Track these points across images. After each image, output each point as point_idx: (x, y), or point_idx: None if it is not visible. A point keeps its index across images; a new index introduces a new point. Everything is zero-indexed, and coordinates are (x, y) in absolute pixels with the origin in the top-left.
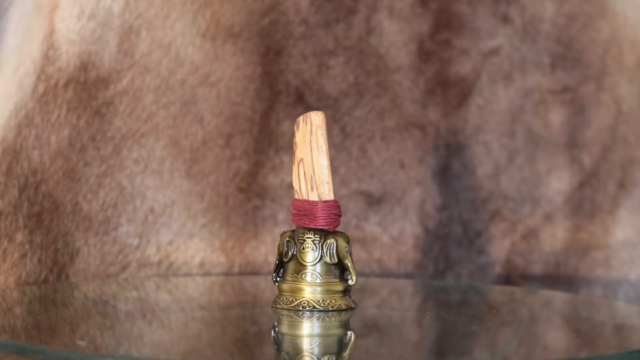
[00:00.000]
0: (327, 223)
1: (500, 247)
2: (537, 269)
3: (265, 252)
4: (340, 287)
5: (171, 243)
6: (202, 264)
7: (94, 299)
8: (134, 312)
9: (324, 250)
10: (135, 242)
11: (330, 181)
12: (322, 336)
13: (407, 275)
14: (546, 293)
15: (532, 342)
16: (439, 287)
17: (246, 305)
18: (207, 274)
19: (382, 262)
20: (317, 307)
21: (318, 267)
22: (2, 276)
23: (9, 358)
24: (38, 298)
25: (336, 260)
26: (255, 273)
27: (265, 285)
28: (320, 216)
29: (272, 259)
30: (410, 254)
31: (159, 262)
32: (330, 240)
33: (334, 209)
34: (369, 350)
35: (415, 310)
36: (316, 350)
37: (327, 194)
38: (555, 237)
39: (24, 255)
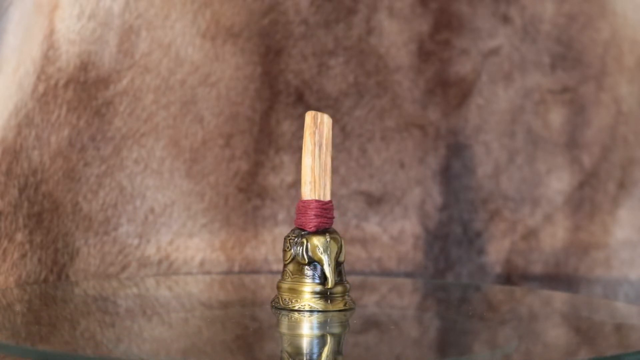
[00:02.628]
0: (303, 222)
1: (500, 247)
2: (537, 269)
3: (265, 252)
4: (337, 288)
5: (171, 243)
6: (202, 264)
7: (94, 296)
8: (134, 309)
9: (297, 250)
10: (135, 242)
11: (314, 181)
12: (308, 337)
13: (407, 275)
14: (546, 293)
15: (532, 341)
16: (438, 286)
17: (246, 303)
18: (207, 273)
19: (382, 262)
20: (314, 307)
21: (293, 267)
22: (2, 276)
23: (9, 358)
24: (38, 295)
25: (306, 260)
26: (255, 273)
27: (265, 283)
28: (299, 215)
29: (272, 259)
30: (410, 253)
31: (159, 262)
32: (302, 240)
33: (313, 209)
34: (369, 347)
35: (415, 309)
36: (293, 350)
37: (308, 194)
38: (555, 237)
39: (24, 255)
